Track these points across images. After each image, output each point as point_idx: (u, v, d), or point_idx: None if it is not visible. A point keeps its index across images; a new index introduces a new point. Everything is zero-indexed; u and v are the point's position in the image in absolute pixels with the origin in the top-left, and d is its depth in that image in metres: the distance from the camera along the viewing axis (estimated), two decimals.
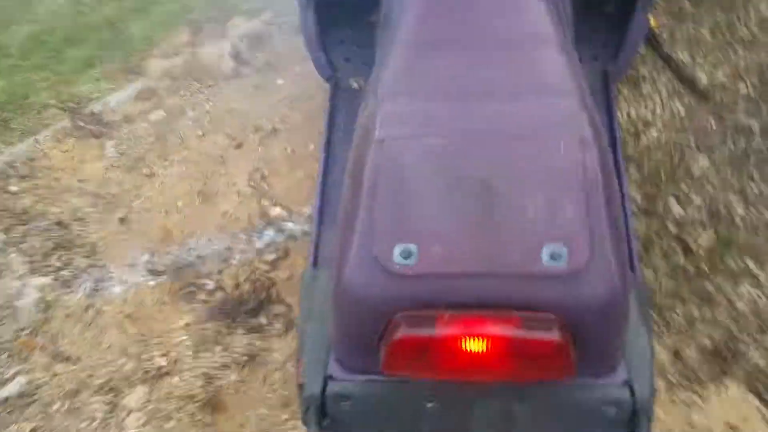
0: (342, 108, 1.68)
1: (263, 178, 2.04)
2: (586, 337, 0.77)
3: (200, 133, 2.20)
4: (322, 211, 1.34)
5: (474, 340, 0.75)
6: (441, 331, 0.76)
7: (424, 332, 0.77)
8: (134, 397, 1.60)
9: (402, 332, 0.76)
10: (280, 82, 2.35)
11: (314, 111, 2.12)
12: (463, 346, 0.75)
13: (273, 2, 2.58)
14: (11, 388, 1.63)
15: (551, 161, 0.83)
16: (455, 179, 0.82)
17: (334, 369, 0.90)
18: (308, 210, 1.86)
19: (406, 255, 0.77)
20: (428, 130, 0.90)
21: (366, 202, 0.82)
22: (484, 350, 0.75)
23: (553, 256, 0.74)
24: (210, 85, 2.37)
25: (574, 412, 0.88)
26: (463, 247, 0.78)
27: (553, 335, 0.73)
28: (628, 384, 0.85)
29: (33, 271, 1.86)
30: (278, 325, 1.69)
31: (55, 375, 1.66)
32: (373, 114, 0.94)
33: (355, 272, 0.80)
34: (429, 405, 0.89)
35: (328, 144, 1.53)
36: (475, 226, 0.79)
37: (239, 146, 2.14)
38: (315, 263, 1.22)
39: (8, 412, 1.60)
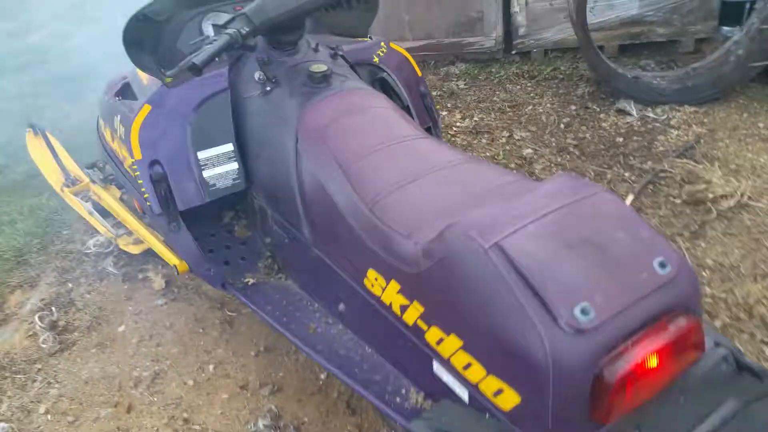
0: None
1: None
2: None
3: (70, 419, 1.90)
4: None
5: (659, 351, 0.99)
6: (641, 352, 0.97)
7: (631, 362, 0.96)
8: None
9: (619, 372, 0.95)
10: (121, 329, 2.19)
11: (186, 334, 2.11)
12: (654, 362, 0.98)
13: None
14: None
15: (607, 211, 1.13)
16: (567, 243, 1.05)
17: None
18: None
19: (586, 312, 0.96)
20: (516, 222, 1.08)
21: (523, 291, 0.98)
22: (668, 356, 0.99)
23: (661, 265, 1.06)
24: (39, 369, 2.06)
25: (711, 383, 1.08)
26: (612, 287, 1.01)
27: (694, 319, 1.05)
28: (718, 343, 1.12)
29: None
30: None
31: None
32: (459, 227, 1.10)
33: (556, 347, 0.95)
34: None
35: None
36: (605, 269, 1.03)
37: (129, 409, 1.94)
38: None
39: None
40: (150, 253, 2.39)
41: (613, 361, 0.97)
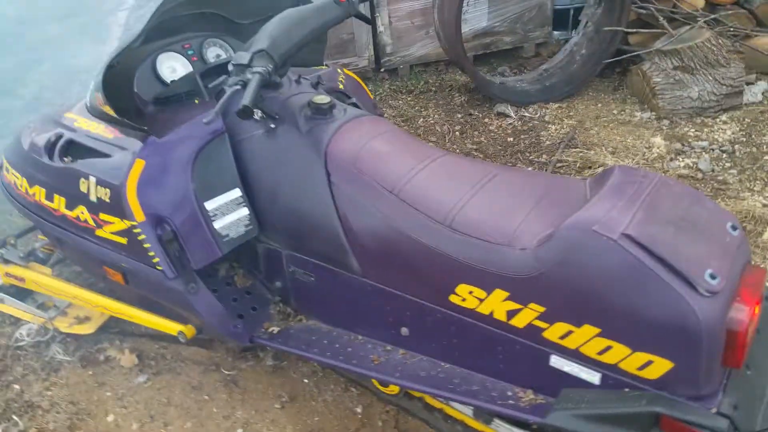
0: None
1: None
2: None
3: None
4: None
5: (759, 299, 1.19)
6: (751, 302, 1.17)
7: (749, 311, 1.15)
8: None
9: (744, 321, 1.13)
10: (111, 419, 1.92)
11: (192, 406, 1.96)
12: (758, 309, 1.18)
13: None
14: None
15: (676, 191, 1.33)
16: (670, 223, 1.22)
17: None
18: None
19: (714, 276, 1.16)
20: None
21: (662, 270, 1.14)
22: (761, 301, 1.20)
23: (733, 227, 1.28)
24: None
25: None
26: (716, 252, 1.20)
27: (761, 268, 1.31)
28: None
29: None
30: None
31: None
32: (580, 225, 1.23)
33: (703, 311, 1.13)
34: None
35: None
36: (704, 238, 1.23)
37: None
38: None
39: None
40: (103, 330, 2.14)
41: (737, 313, 1.17)
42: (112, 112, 1.68)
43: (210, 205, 1.67)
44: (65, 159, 1.83)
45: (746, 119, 3.35)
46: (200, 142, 1.67)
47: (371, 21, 2.07)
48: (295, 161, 1.66)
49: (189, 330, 1.82)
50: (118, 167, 1.65)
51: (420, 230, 1.46)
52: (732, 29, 3.58)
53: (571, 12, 4.19)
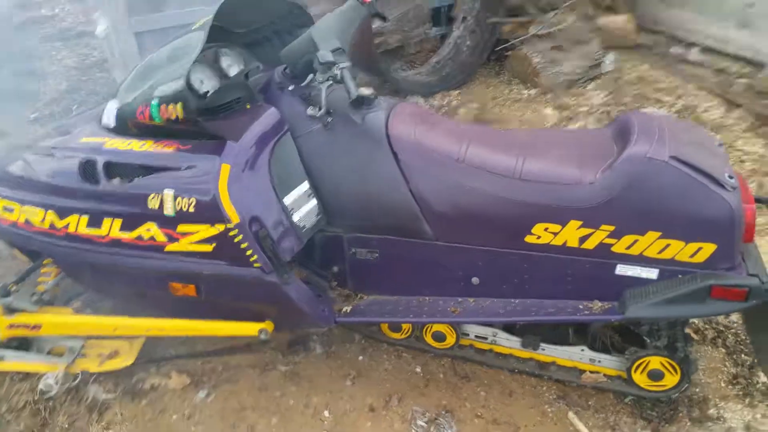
0: None
1: None
2: None
3: None
4: None
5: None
6: (751, 197, 1.61)
7: (752, 202, 1.59)
8: None
9: (752, 207, 1.57)
10: None
11: (270, 406, 2.02)
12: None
13: None
14: None
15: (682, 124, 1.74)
16: (692, 145, 1.63)
17: None
18: None
19: (732, 176, 1.59)
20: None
21: (702, 178, 1.54)
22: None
23: (720, 144, 1.77)
24: None
25: None
26: (722, 163, 1.62)
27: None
28: None
29: None
30: None
31: None
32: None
33: (733, 202, 1.54)
34: None
35: None
36: (714, 155, 1.65)
37: None
38: None
39: None
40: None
41: (747, 203, 1.61)
42: (159, 124, 1.73)
43: (288, 199, 1.78)
44: (114, 181, 1.79)
45: (608, 85, 4.06)
46: (272, 141, 1.77)
47: (386, 18, 2.28)
48: (358, 148, 1.82)
49: (269, 325, 1.89)
50: (198, 175, 1.69)
51: (494, 186, 1.72)
52: (584, 13, 4.28)
53: (443, 9, 4.67)
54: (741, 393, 2.00)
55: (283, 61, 1.92)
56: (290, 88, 1.91)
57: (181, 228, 1.73)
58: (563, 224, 1.69)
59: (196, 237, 1.73)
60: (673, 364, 1.89)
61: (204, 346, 2.22)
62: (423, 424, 1.93)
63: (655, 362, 1.90)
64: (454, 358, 2.16)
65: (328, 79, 1.70)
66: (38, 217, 1.90)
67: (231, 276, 1.76)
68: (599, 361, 2.01)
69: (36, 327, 2.04)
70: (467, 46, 4.31)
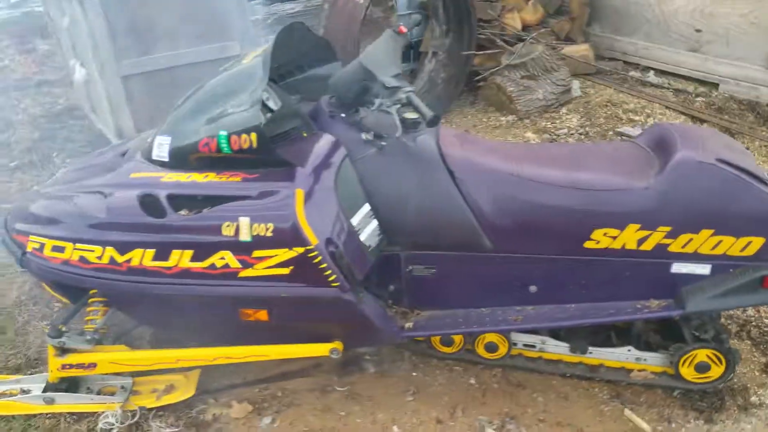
0: None
1: None
2: None
3: None
4: None
5: None
6: None
7: None
8: None
9: None
10: None
11: (336, 426, 2.03)
12: None
13: None
14: None
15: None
16: (728, 149, 1.84)
17: None
18: None
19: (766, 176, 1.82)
20: None
21: (747, 177, 1.72)
22: None
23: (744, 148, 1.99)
24: None
25: None
26: (753, 161, 1.84)
27: None
28: None
29: None
30: None
31: None
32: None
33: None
34: None
35: None
36: (739, 154, 1.84)
37: None
38: None
39: None
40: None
41: None
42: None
43: (354, 220, 1.83)
44: (181, 213, 1.79)
45: (580, 108, 4.34)
46: (336, 166, 1.82)
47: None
48: (415, 169, 1.91)
49: (338, 345, 1.91)
50: (274, 202, 1.72)
51: (552, 197, 1.84)
52: (547, 43, 4.58)
53: (411, 45, 4.86)
54: None
55: (331, 90, 2.00)
56: (342, 115, 1.98)
57: (257, 253, 1.75)
58: (622, 228, 1.82)
59: (272, 261, 1.75)
60: (719, 355, 2.04)
61: (256, 374, 2.20)
62: (492, 431, 1.99)
63: (702, 355, 2.04)
64: (506, 368, 2.24)
65: (395, 103, 1.78)
66: (95, 253, 1.86)
67: (308, 297, 1.79)
68: (645, 360, 2.14)
69: (91, 366, 1.98)
70: (441, 79, 4.50)
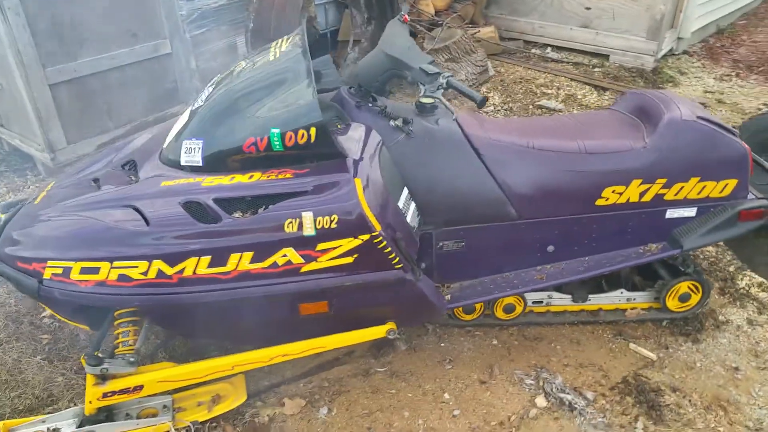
0: None
1: None
2: None
3: None
4: None
5: None
6: None
7: None
8: None
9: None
10: None
11: (387, 408, 2.11)
12: None
13: None
14: None
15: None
16: (694, 106, 2.19)
17: None
18: None
19: (734, 127, 2.18)
20: None
21: (723, 131, 2.05)
22: None
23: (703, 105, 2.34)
24: None
25: None
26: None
27: None
28: None
29: None
30: None
31: None
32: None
33: (744, 146, 2.07)
34: None
35: None
36: (702, 110, 2.17)
37: None
38: None
39: None
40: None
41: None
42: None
43: (400, 204, 1.91)
44: (235, 215, 1.76)
45: (498, 86, 4.65)
46: (377, 154, 1.89)
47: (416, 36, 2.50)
48: (443, 151, 2.03)
49: (393, 326, 1.99)
50: (334, 193, 1.75)
51: (567, 163, 2.06)
52: (459, 26, 4.84)
53: (328, 35, 4.91)
54: (731, 300, 2.58)
55: (359, 80, 2.05)
56: (369, 104, 2.04)
57: (321, 246, 1.77)
58: (627, 184, 2.07)
59: (336, 252, 1.79)
60: (697, 285, 2.38)
61: (293, 371, 2.21)
62: (531, 382, 2.18)
63: (684, 287, 2.38)
64: (520, 326, 2.44)
65: (438, 88, 1.88)
66: (139, 269, 1.77)
67: (372, 282, 1.85)
68: (635, 299, 2.44)
69: (137, 388, 1.88)
70: None
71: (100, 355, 1.86)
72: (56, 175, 3.47)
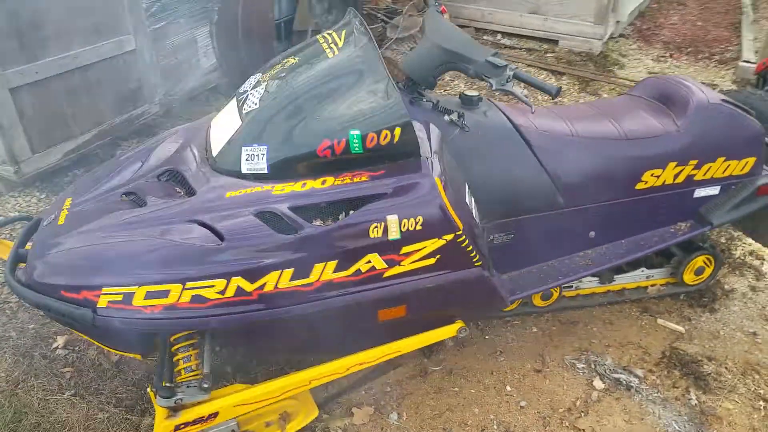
0: None
1: None
2: None
3: None
4: None
5: None
6: None
7: None
8: None
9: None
10: None
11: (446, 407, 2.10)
12: None
13: None
14: None
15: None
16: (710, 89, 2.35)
17: None
18: None
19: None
20: None
21: (741, 111, 2.21)
22: None
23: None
24: None
25: None
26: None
27: None
28: None
29: None
30: None
31: None
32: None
33: (758, 122, 2.26)
34: None
35: None
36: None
37: None
38: None
39: None
40: None
41: None
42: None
43: (467, 199, 1.90)
44: (317, 224, 1.67)
45: (459, 74, 4.69)
46: (442, 149, 1.86)
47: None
48: (496, 143, 2.03)
49: (462, 323, 1.97)
50: (417, 194, 1.70)
51: (610, 149, 2.13)
52: (412, 14, 4.83)
53: (283, 24, 4.74)
54: (731, 269, 2.78)
55: (412, 74, 1.99)
56: (425, 100, 2.00)
57: (405, 249, 1.73)
58: (664, 167, 2.17)
59: (420, 254, 1.74)
60: (711, 258, 2.54)
61: (349, 380, 2.14)
62: (582, 365, 2.25)
63: (700, 261, 2.53)
64: (554, 312, 2.50)
65: (507, 80, 1.86)
66: (216, 288, 1.64)
67: (452, 281, 1.82)
68: (653, 276, 2.57)
69: (212, 416, 1.75)
70: None
71: (169, 385, 1.71)
72: (18, 189, 3.14)
